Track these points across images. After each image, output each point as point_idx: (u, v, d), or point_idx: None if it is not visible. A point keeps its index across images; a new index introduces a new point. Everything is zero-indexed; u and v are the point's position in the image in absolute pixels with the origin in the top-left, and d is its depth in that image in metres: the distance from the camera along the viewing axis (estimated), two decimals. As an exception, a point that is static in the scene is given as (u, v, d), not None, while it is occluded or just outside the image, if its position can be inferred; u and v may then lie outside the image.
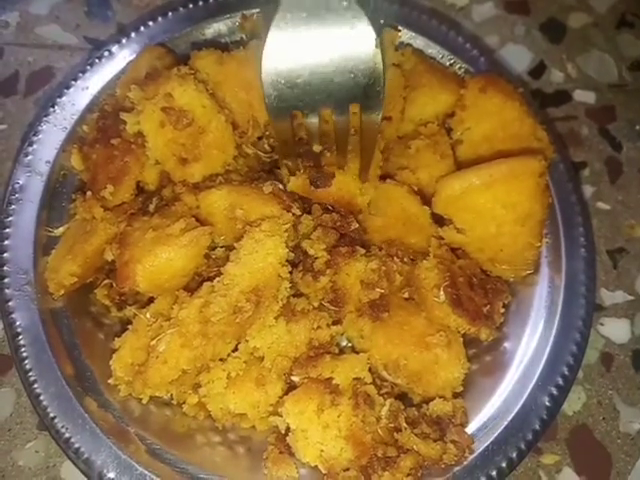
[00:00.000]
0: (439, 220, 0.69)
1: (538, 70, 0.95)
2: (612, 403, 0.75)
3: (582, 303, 0.69)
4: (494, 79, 0.73)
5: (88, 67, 0.77)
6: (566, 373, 0.66)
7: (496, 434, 0.63)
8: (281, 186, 0.68)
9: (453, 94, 0.74)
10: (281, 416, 0.61)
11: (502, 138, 0.70)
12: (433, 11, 0.87)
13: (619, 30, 0.98)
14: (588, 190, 0.87)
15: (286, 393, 0.62)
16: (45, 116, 0.75)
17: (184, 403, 0.64)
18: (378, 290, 0.65)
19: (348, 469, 0.59)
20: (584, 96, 0.93)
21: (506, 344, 0.68)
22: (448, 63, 0.81)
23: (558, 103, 0.92)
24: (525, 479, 0.71)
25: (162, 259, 0.62)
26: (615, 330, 0.79)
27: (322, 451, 0.59)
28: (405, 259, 0.67)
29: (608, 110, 0.92)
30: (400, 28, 0.79)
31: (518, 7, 0.99)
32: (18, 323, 0.65)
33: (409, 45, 0.81)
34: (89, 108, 0.75)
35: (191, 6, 0.82)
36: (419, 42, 0.82)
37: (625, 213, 0.86)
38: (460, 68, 0.81)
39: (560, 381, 0.66)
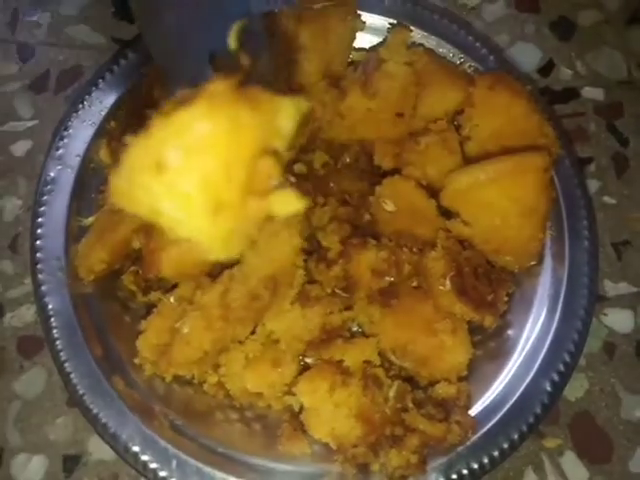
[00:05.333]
0: (447, 213, 0.71)
1: (547, 68, 0.95)
2: (614, 391, 0.76)
3: (584, 293, 0.71)
4: (502, 77, 0.75)
5: (115, 66, 0.80)
6: (567, 360, 0.68)
7: (499, 416, 0.66)
8: (292, 180, 0.71)
9: (462, 92, 0.76)
10: (295, 395, 0.65)
11: (509, 135, 0.72)
12: (445, 11, 0.88)
13: (630, 26, 0.98)
14: (594, 185, 0.87)
15: (300, 374, 0.66)
16: (75, 112, 0.78)
17: (205, 382, 0.68)
18: (388, 278, 0.68)
19: (357, 446, 0.63)
20: (593, 93, 0.93)
21: (510, 331, 0.71)
22: (458, 62, 0.83)
23: (566, 100, 0.92)
24: (528, 462, 0.73)
25: (185, 248, 0.66)
26: (618, 320, 0.80)
27: (333, 428, 0.62)
28: (414, 249, 0.69)
29: (616, 106, 0.92)
30: (412, 28, 0.81)
31: (529, 5, 0.99)
32: (50, 306, 0.69)
33: (421, 45, 0.82)
34: (116, 105, 0.78)
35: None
36: (431, 42, 0.83)
37: (631, 207, 0.86)
38: (470, 67, 0.83)
39: (561, 367, 0.68)
